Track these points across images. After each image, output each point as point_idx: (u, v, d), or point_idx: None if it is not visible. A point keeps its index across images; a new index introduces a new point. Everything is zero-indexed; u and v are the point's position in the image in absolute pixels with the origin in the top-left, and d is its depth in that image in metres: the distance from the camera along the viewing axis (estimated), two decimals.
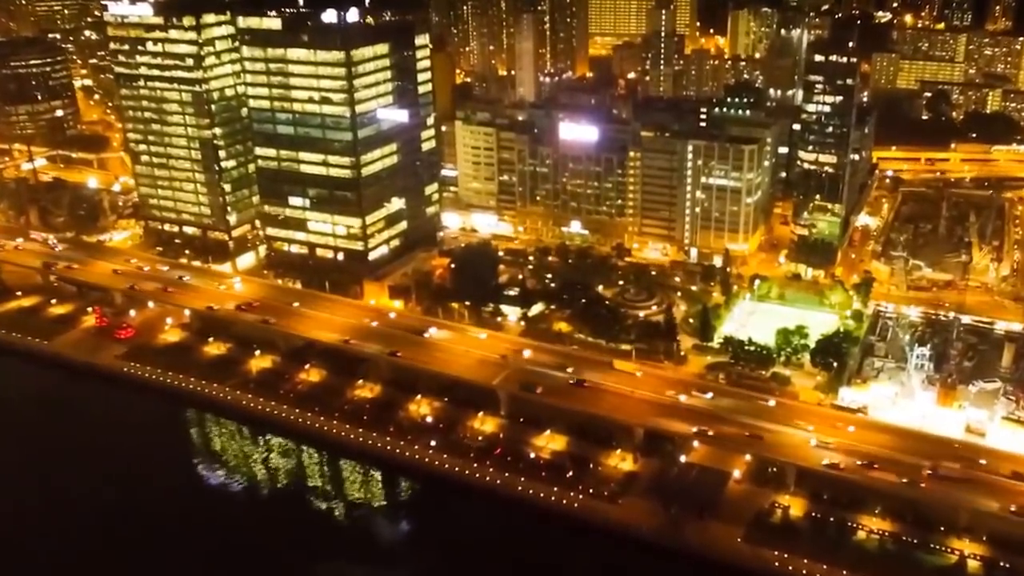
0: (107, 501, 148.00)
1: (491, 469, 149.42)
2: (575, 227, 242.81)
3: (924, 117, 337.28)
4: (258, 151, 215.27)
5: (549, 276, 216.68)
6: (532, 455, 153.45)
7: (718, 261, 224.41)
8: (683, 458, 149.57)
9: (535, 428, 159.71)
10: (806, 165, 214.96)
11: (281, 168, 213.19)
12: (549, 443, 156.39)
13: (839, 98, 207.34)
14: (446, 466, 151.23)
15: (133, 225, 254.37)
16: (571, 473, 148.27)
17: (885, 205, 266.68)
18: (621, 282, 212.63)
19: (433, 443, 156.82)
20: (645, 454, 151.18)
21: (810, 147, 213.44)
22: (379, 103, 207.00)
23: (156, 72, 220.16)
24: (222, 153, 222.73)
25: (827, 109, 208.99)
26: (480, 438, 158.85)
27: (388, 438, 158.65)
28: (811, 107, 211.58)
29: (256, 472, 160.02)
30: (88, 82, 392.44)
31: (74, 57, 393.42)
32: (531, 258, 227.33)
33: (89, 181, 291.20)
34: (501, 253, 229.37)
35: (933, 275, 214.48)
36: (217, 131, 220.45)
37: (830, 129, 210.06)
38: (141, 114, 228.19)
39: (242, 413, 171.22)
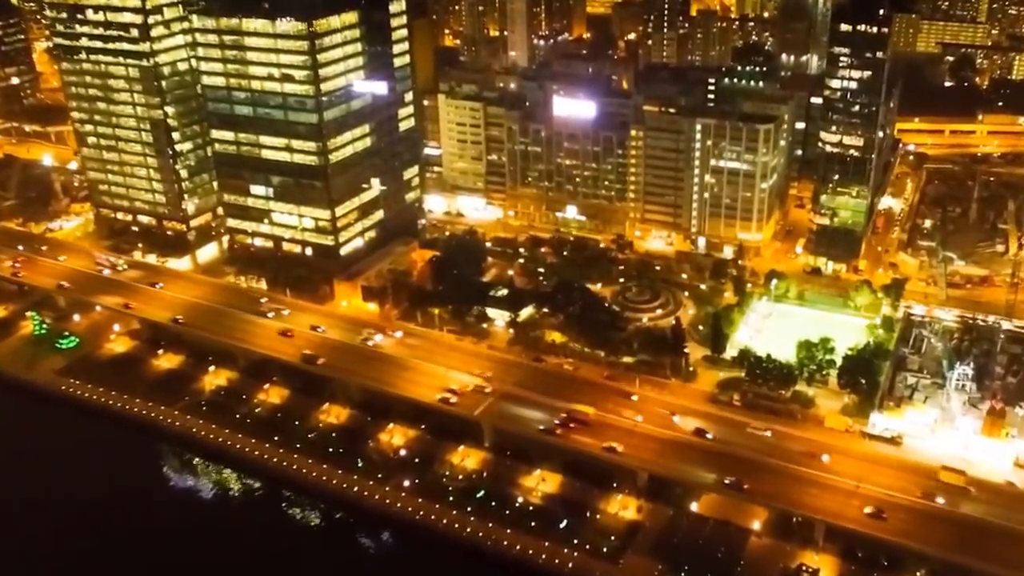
0: (20, 541, 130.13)
1: (472, 518, 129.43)
2: (571, 212, 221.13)
3: (947, 84, 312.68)
4: (214, 134, 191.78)
5: (541, 271, 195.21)
6: (520, 499, 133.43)
7: (728, 251, 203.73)
8: (694, 506, 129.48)
9: (523, 464, 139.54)
10: (828, 147, 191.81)
11: (240, 153, 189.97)
12: (539, 484, 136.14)
13: (867, 73, 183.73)
14: (421, 513, 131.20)
15: (88, 210, 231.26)
16: (565, 522, 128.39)
17: (909, 184, 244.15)
18: (622, 279, 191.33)
19: (407, 483, 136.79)
20: (650, 498, 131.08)
21: (833, 127, 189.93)
22: (348, 80, 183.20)
23: (99, 44, 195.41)
24: (176, 135, 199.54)
25: (853, 85, 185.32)
26: (460, 477, 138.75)
27: (355, 477, 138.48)
28: (835, 83, 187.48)
29: (201, 515, 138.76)
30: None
31: (39, 17, 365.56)
32: (522, 249, 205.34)
33: (44, 158, 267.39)
34: (489, 244, 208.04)
35: (967, 269, 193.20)
36: (169, 110, 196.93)
37: (856, 108, 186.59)
38: (85, 91, 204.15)
39: (191, 441, 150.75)
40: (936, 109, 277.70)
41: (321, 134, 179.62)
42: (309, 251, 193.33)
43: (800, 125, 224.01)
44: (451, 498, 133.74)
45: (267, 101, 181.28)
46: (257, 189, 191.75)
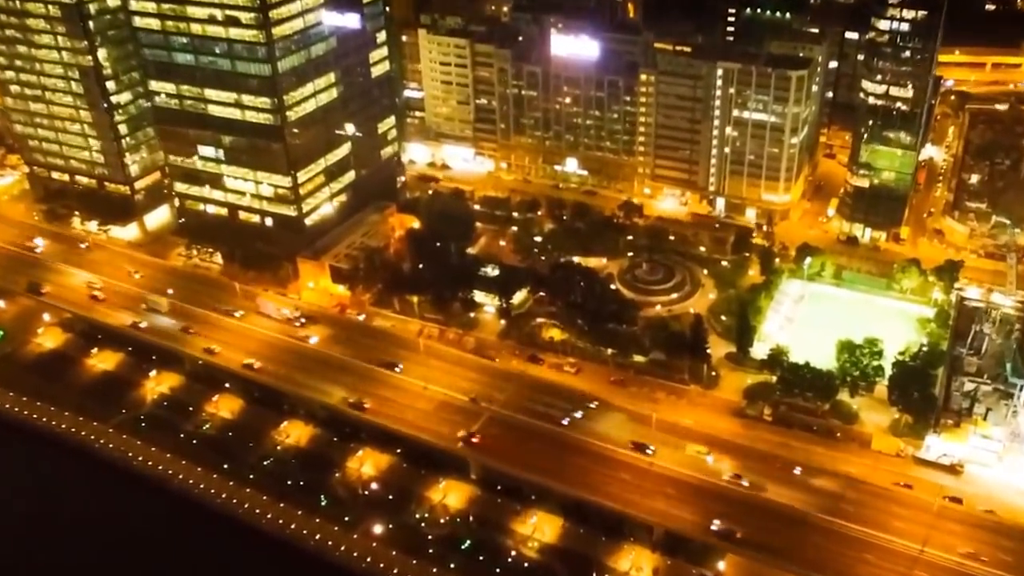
0: None
1: None
2: (571, 166, 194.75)
3: (988, 8, 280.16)
4: (152, 85, 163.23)
5: (537, 239, 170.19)
6: (513, 551, 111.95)
7: (751, 214, 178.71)
8: (721, 565, 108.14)
9: (516, 503, 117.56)
10: (872, 99, 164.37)
11: (184, 108, 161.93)
12: (535, 532, 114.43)
13: (922, 12, 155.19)
14: (396, 570, 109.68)
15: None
16: None
17: (951, 130, 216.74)
18: (630, 252, 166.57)
19: (378, 529, 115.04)
20: (668, 553, 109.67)
21: (879, 76, 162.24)
22: (307, 21, 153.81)
23: None
24: (112, 84, 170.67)
25: (905, 27, 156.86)
26: (442, 520, 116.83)
27: (317, 520, 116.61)
28: (883, 23, 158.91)
29: (137, 560, 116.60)
30: None
31: None
32: (515, 214, 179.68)
33: None
34: (477, 206, 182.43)
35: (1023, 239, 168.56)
36: (102, 55, 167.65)
37: (908, 53, 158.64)
38: (1, 32, 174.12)
39: (127, 468, 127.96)
40: (976, 39, 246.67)
41: (276, 88, 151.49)
42: (269, 222, 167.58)
43: (833, 64, 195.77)
44: (431, 549, 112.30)
45: (210, 48, 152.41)
46: (205, 150, 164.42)
